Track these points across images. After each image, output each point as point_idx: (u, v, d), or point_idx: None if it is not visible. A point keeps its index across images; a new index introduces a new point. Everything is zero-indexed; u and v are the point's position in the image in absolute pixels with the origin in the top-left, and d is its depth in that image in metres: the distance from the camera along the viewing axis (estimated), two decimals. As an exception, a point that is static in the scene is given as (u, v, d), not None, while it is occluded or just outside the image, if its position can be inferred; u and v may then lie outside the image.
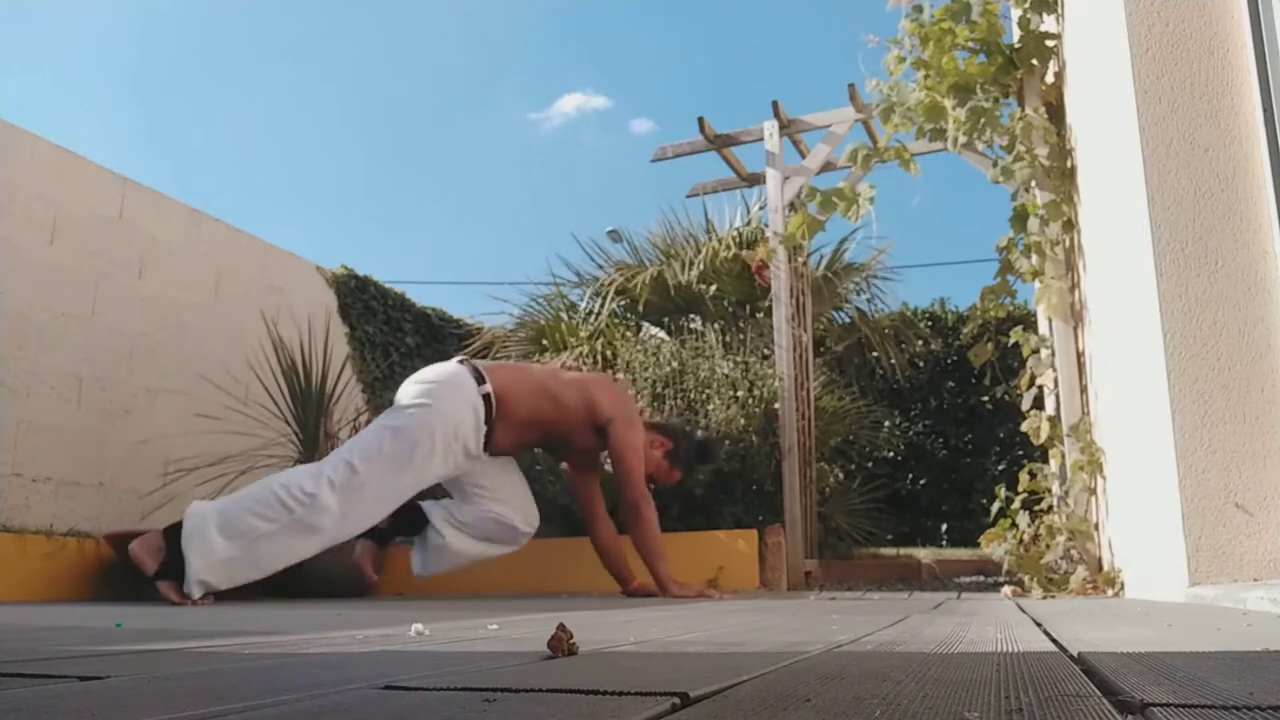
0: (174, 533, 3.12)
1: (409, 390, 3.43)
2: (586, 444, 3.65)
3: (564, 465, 3.91)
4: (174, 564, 3.08)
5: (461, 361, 3.55)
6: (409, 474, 3.28)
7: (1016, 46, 3.55)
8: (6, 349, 4.39)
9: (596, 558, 3.85)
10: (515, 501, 3.65)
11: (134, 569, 3.14)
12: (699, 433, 4.12)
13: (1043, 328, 3.57)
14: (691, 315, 5.84)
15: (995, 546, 3.25)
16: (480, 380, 3.41)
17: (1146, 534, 2.50)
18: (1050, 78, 3.60)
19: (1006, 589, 3.09)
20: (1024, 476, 3.33)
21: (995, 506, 3.34)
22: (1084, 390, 3.30)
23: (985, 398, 8.34)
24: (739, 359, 4.88)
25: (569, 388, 3.56)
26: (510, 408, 3.44)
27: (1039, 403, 3.49)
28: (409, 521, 3.58)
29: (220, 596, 3.30)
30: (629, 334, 5.66)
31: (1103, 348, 3.03)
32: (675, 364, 4.88)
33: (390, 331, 6.68)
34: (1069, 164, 3.39)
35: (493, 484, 3.60)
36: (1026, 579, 3.08)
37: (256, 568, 3.15)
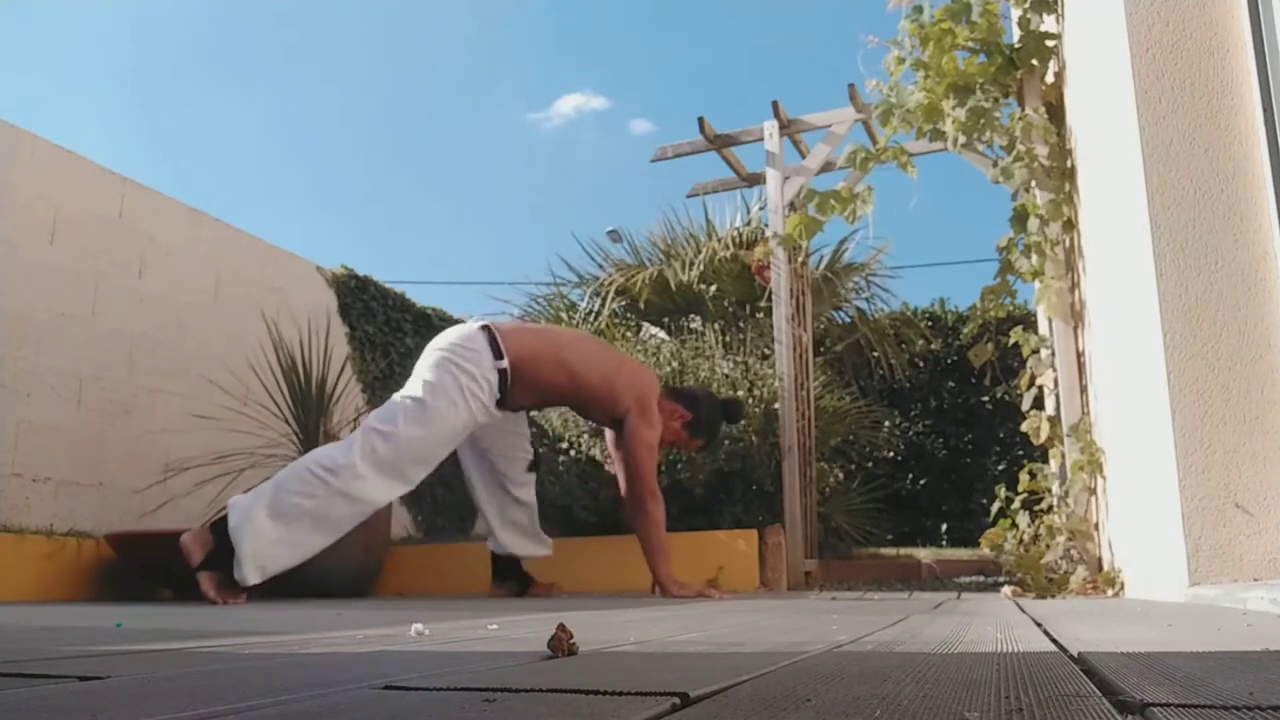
0: (220, 526, 3.12)
1: (428, 358, 3.44)
2: (604, 422, 3.71)
3: (609, 449, 3.96)
4: (220, 556, 3.08)
5: (484, 327, 3.46)
6: (436, 430, 3.29)
7: (1016, 46, 3.55)
8: (6, 349, 4.38)
9: (598, 558, 3.85)
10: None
11: (182, 559, 3.15)
12: (721, 395, 4.09)
13: (1043, 328, 3.57)
14: (691, 315, 5.84)
15: (995, 546, 3.25)
16: (498, 355, 3.37)
17: (1146, 534, 2.50)
18: (1050, 78, 3.60)
19: (1006, 589, 3.09)
20: (1024, 476, 3.33)
21: (995, 506, 3.34)
22: (1084, 390, 3.30)
23: (985, 398, 8.34)
24: (739, 359, 4.88)
25: (591, 367, 3.51)
26: (526, 374, 3.42)
27: (1039, 403, 3.49)
28: (507, 566, 3.80)
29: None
30: (629, 334, 5.65)
31: (1103, 348, 3.03)
32: (675, 364, 4.88)
33: (390, 331, 6.68)
34: (1069, 164, 3.39)
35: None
36: (1026, 579, 3.08)
37: (299, 548, 3.15)
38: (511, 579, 3.79)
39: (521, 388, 3.43)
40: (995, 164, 3.52)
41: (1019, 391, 3.53)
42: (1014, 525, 3.26)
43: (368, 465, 3.18)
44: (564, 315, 6.12)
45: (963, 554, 6.47)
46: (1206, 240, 2.29)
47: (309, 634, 1.59)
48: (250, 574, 3.07)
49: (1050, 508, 3.26)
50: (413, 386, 3.37)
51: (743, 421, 4.55)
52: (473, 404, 3.34)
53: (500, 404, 3.46)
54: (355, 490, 3.17)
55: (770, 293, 4.89)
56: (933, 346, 8.19)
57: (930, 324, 8.58)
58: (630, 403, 3.50)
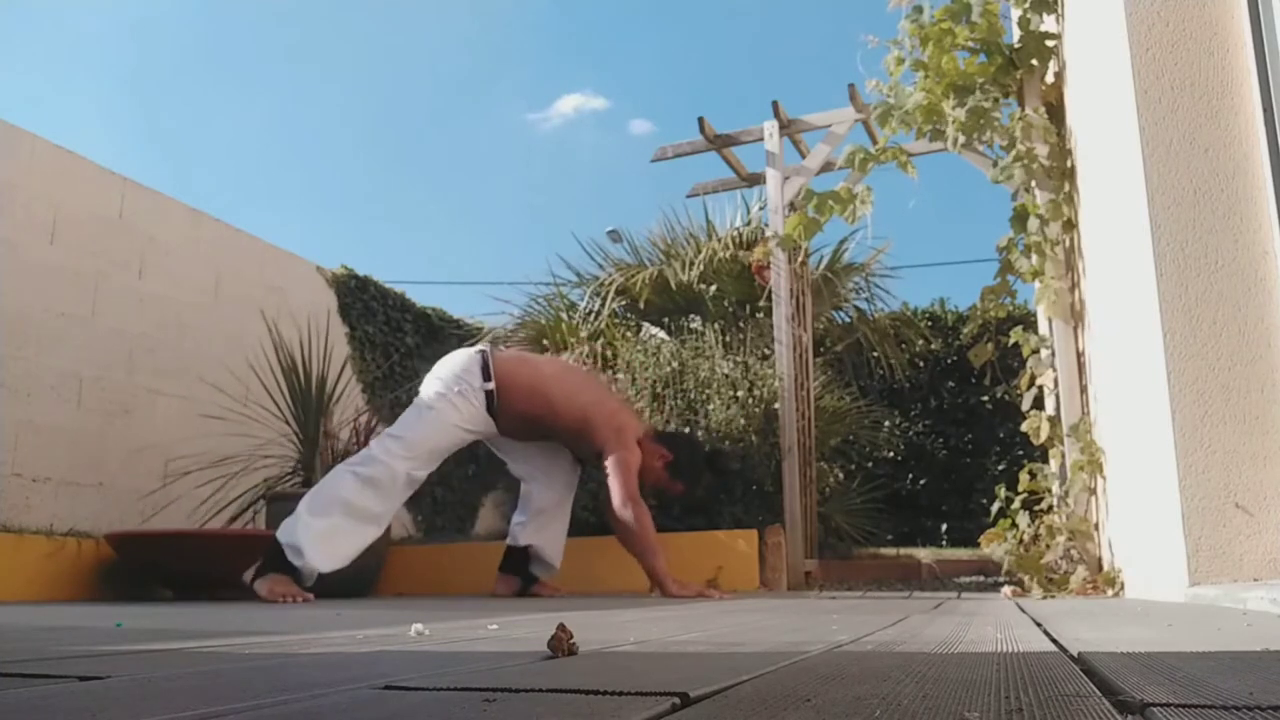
0: (271, 547, 3.38)
1: (432, 374, 3.74)
2: (588, 456, 3.82)
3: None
4: (275, 560, 3.32)
5: (482, 350, 3.75)
6: (437, 428, 3.59)
7: (1016, 46, 3.54)
8: (6, 349, 4.39)
9: (598, 558, 3.85)
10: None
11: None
12: (710, 446, 4.14)
13: (1043, 328, 3.57)
14: (691, 315, 5.84)
15: (995, 546, 3.25)
16: (487, 377, 3.61)
17: (1146, 534, 2.50)
18: (1050, 78, 3.60)
19: (1006, 589, 3.09)
20: (1024, 476, 3.33)
21: (995, 506, 3.34)
22: (1084, 390, 3.30)
23: (985, 398, 8.34)
24: (739, 359, 4.87)
25: (570, 400, 3.66)
26: (508, 401, 3.61)
27: (1039, 403, 3.49)
28: (516, 561, 3.87)
29: (225, 597, 3.36)
30: (629, 334, 5.65)
31: (1103, 348, 3.03)
32: (675, 364, 4.87)
33: (390, 332, 6.68)
34: (1069, 164, 3.39)
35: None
36: (1026, 579, 3.08)
37: (353, 534, 3.45)
38: (517, 573, 3.81)
39: (506, 413, 3.62)
40: (995, 164, 3.52)
41: (1019, 391, 3.52)
42: (1014, 525, 3.26)
43: (385, 454, 3.53)
44: (564, 315, 6.12)
45: (963, 554, 6.47)
46: (1206, 240, 2.29)
47: (309, 634, 1.59)
48: (320, 560, 3.32)
49: (1050, 508, 3.26)
50: (419, 399, 3.68)
51: (742, 421, 4.55)
52: (469, 407, 3.58)
53: (498, 425, 3.65)
54: (380, 468, 3.49)
55: (770, 293, 4.89)
56: (933, 346, 8.19)
57: (930, 324, 8.58)
58: (609, 434, 3.60)
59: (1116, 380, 2.83)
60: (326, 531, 3.36)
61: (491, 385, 3.58)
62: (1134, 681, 0.79)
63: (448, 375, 3.65)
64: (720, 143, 5.30)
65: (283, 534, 3.36)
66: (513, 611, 2.34)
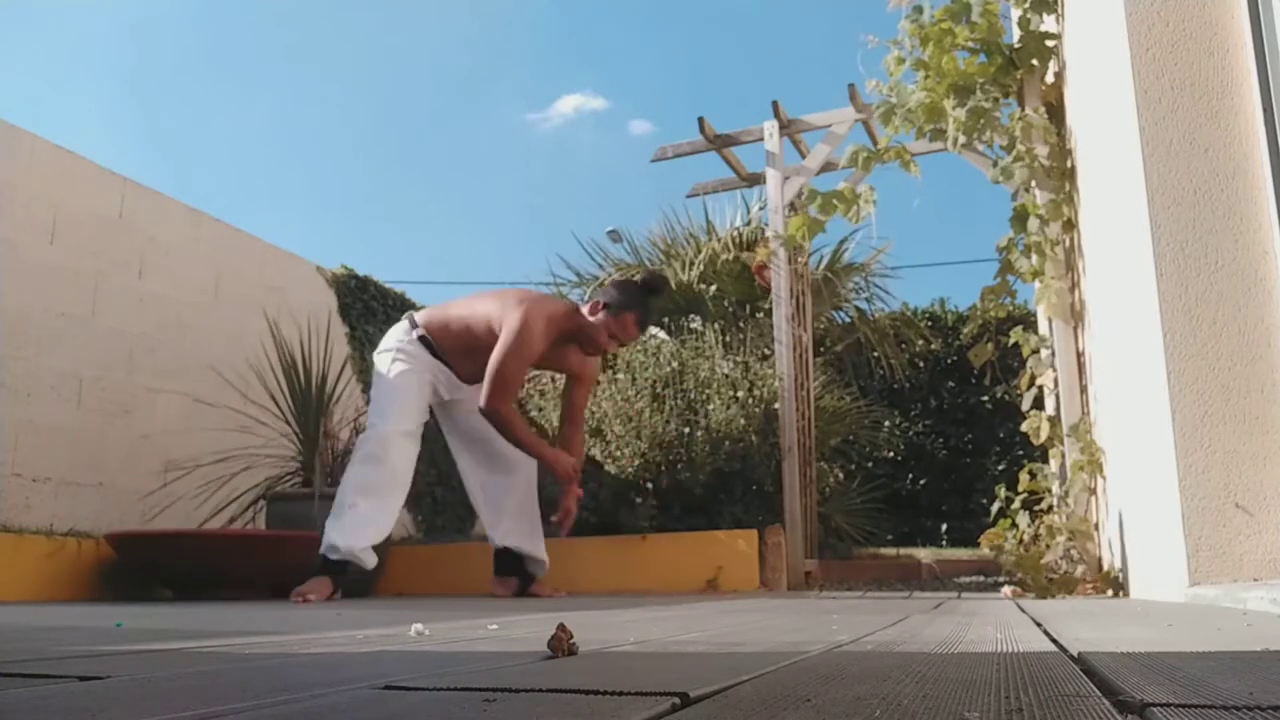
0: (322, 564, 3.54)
1: (375, 358, 3.90)
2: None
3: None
4: (324, 566, 3.49)
5: (407, 314, 3.94)
6: (404, 381, 3.73)
7: (1016, 46, 3.54)
8: (6, 349, 4.39)
9: (598, 558, 3.85)
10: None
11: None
12: (636, 277, 4.14)
13: (1043, 328, 3.57)
14: (691, 315, 5.84)
15: (995, 546, 3.25)
16: (414, 327, 3.79)
17: (1146, 534, 2.50)
18: (1050, 78, 3.60)
19: (1006, 589, 3.09)
20: (1024, 476, 3.33)
21: (995, 506, 3.34)
22: (1084, 390, 3.30)
23: (985, 398, 8.35)
24: (739, 359, 4.87)
25: (474, 311, 3.79)
26: (444, 341, 3.78)
27: (1039, 403, 3.49)
28: (509, 562, 3.91)
29: (225, 597, 3.37)
30: (629, 334, 5.64)
31: (1103, 348, 3.03)
32: (675, 364, 4.87)
33: (390, 331, 6.68)
34: (1069, 164, 3.39)
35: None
36: (1027, 579, 3.08)
37: (373, 514, 3.58)
38: (513, 574, 3.81)
39: (451, 354, 3.76)
40: (995, 164, 3.52)
41: (1019, 391, 3.53)
42: (1014, 525, 3.26)
43: (370, 429, 3.69)
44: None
45: (963, 554, 6.47)
46: (1206, 240, 2.29)
47: (309, 634, 1.59)
48: (359, 539, 3.49)
49: (1050, 508, 3.26)
50: (375, 375, 3.86)
51: (742, 421, 4.55)
52: (414, 358, 3.74)
53: (452, 368, 3.78)
54: (371, 444, 3.63)
55: (770, 293, 4.89)
56: (933, 346, 8.19)
57: (930, 324, 8.59)
58: (500, 322, 3.65)
59: (1116, 380, 2.83)
60: (353, 519, 3.52)
61: (421, 330, 3.76)
62: (1134, 681, 0.79)
63: (387, 343, 3.83)
64: (720, 143, 5.30)
65: (322, 547, 3.50)
66: (513, 611, 2.34)
